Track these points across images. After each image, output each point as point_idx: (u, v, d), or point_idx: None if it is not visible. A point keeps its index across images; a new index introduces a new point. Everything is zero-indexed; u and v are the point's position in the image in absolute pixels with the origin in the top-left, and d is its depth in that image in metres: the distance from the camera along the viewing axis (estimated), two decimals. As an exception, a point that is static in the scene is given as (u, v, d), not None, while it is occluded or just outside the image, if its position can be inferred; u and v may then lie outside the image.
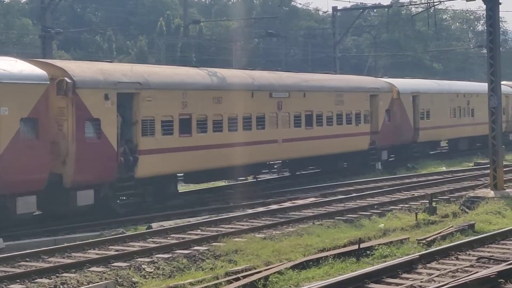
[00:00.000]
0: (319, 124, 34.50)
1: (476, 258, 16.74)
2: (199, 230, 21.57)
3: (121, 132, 24.68)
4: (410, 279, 14.90)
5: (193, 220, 23.30)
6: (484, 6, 27.79)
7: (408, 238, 19.49)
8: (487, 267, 15.72)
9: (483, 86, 53.13)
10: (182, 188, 31.72)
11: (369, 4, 71.33)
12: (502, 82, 52.83)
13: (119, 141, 24.48)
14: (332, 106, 35.42)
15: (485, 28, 28.40)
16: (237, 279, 15.55)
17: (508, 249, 17.91)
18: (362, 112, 37.79)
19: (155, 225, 22.46)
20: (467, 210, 24.31)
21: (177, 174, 29.37)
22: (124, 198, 25.48)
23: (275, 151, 32.04)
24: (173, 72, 28.42)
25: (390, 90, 40.50)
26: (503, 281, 14.17)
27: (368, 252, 17.93)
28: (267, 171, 36.58)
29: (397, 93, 40.86)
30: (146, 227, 22.56)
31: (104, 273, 16.57)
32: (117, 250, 18.77)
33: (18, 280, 15.88)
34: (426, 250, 17.86)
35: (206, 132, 28.14)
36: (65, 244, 19.37)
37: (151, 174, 25.89)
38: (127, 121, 25.17)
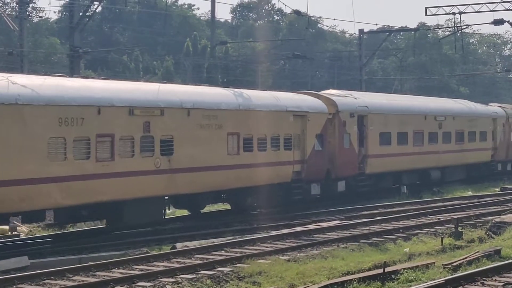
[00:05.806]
0: None
1: (503, 284, 16.62)
2: (223, 251, 21.57)
3: None
4: (435, 304, 14.80)
5: (217, 241, 23.30)
6: (512, 31, 27.73)
7: (434, 262, 19.37)
8: (514, 293, 15.60)
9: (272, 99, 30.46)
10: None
11: (395, 27, 71.19)
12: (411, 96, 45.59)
13: None
14: None
15: (513, 52, 28.23)
16: (261, 301, 15.52)
17: (535, 275, 17.75)
18: None
19: (179, 245, 22.49)
20: (493, 235, 24.14)
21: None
22: None
23: None
24: None
25: None
26: (530, 308, 14.07)
27: (393, 276, 17.81)
28: None
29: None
30: (170, 247, 22.59)
31: (128, 292, 16.60)
32: (141, 270, 18.79)
33: (43, 298, 15.97)
34: (452, 275, 17.73)
35: None
36: (90, 263, 19.43)
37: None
38: None
